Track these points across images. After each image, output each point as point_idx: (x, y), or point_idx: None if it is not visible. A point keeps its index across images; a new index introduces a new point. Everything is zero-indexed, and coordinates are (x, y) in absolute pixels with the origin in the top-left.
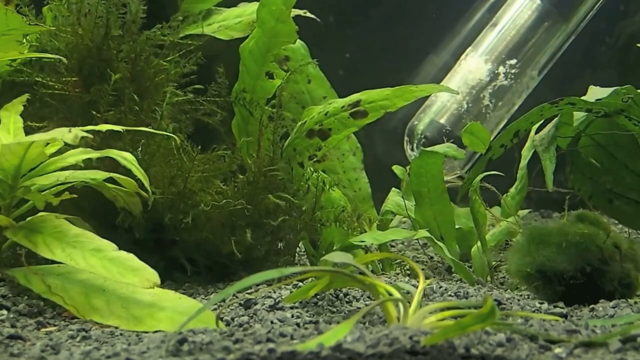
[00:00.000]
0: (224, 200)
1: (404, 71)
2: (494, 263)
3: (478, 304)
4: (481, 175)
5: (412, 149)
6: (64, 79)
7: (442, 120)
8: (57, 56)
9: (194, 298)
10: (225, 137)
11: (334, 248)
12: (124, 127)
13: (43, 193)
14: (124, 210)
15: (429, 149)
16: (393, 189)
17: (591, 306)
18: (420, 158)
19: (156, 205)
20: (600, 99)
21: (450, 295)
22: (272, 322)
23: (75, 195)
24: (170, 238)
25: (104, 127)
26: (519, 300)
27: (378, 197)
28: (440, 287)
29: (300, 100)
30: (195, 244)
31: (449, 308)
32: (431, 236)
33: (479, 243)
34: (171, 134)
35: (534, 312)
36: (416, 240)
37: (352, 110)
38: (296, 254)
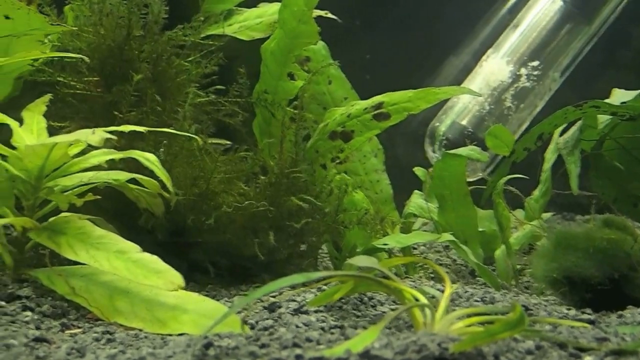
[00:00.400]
0: (247, 202)
1: (424, 72)
2: (517, 267)
3: (505, 310)
4: (505, 178)
5: (433, 151)
6: (85, 78)
7: (464, 122)
8: (80, 56)
9: (217, 300)
10: (246, 137)
11: (357, 250)
12: (147, 128)
13: (66, 194)
14: (146, 212)
15: (452, 151)
16: (415, 191)
17: (619, 312)
18: (443, 160)
19: (178, 207)
20: (625, 102)
21: (476, 301)
22: (297, 326)
23: (98, 197)
24: (193, 240)
25: (126, 128)
26: (545, 305)
27: (399, 199)
28: (466, 292)
29: (321, 101)
30: (218, 245)
31: (476, 314)
32: (455, 239)
33: (503, 246)
34: (194, 135)
35: (561, 318)
36: (438, 243)
37: (375, 112)
38: (318, 256)
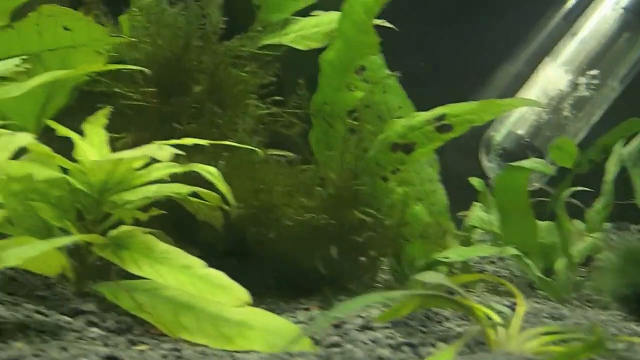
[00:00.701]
0: (308, 215)
1: (476, 80)
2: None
3: (579, 329)
4: (569, 191)
5: (489, 161)
6: (141, 89)
7: (521, 132)
8: (141, 68)
9: (279, 315)
10: (303, 148)
11: (418, 263)
12: (209, 141)
13: (129, 207)
14: (205, 224)
15: (515, 164)
16: (475, 203)
17: None
18: (506, 173)
19: (238, 220)
20: None
21: (545, 317)
22: (364, 343)
23: (163, 212)
24: (252, 252)
25: (189, 142)
26: (614, 322)
27: (452, 209)
28: (533, 307)
29: (376, 110)
30: (278, 258)
31: (548, 332)
32: (519, 253)
33: (563, 259)
34: (255, 148)
35: (631, 335)
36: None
37: (437, 124)
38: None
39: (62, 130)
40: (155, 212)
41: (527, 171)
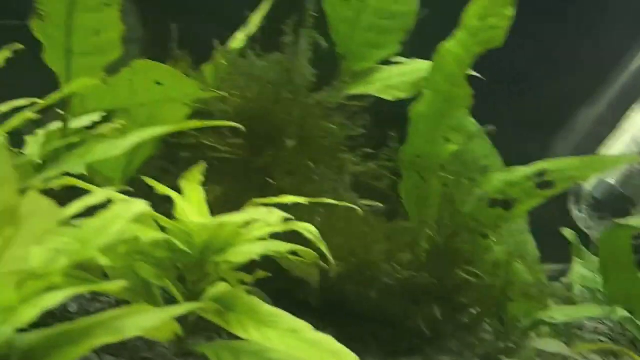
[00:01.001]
0: (407, 273)
1: (555, 124)
2: None
3: None
4: None
5: (579, 211)
6: (228, 141)
7: (612, 181)
8: (236, 124)
9: None
10: (394, 201)
11: (521, 323)
12: (308, 199)
13: (230, 267)
14: (300, 281)
15: (622, 221)
16: (575, 258)
17: None
18: (612, 231)
19: (335, 277)
20: None
21: None
22: None
23: (269, 274)
24: (350, 310)
25: (288, 200)
26: None
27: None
28: None
29: (462, 159)
30: (378, 317)
31: None
32: (630, 316)
33: None
34: (354, 206)
35: None
36: None
37: (538, 180)
38: None
39: (161, 188)
40: (261, 274)
41: (631, 228)
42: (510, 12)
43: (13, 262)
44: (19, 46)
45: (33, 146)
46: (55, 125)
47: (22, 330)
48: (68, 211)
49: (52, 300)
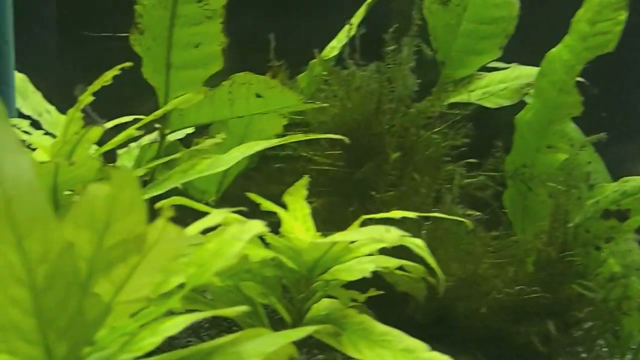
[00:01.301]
0: (518, 287)
1: None
2: None
3: None
4: None
5: None
6: (327, 152)
7: None
8: (341, 136)
9: None
10: (497, 211)
11: (637, 339)
12: (417, 214)
13: (338, 284)
14: (404, 296)
15: None
16: None
17: None
18: None
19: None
20: None
21: None
22: None
23: (381, 292)
24: (458, 326)
25: (397, 214)
26: None
27: None
28: None
29: (567, 169)
30: (487, 333)
31: None
32: None
33: None
34: (463, 219)
35: None
36: None
37: None
38: None
39: (267, 205)
40: (373, 293)
41: None
42: (623, 16)
43: (136, 290)
44: (128, 64)
45: (126, 159)
46: (148, 138)
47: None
48: (189, 233)
49: (174, 327)
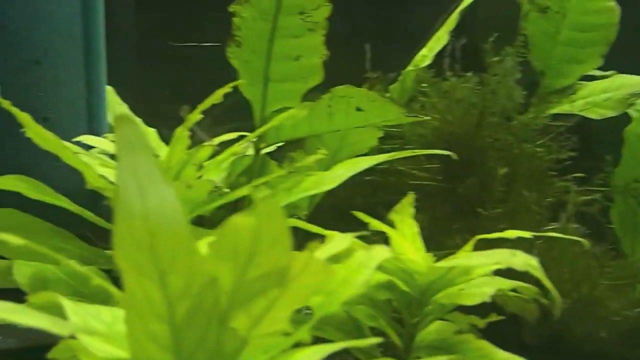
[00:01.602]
0: (637, 310)
1: None
2: None
3: None
4: None
5: None
6: (425, 166)
7: None
8: (448, 152)
9: None
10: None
11: None
12: (534, 233)
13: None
14: (516, 318)
15: None
16: None
17: None
18: None
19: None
20: None
21: None
22: None
23: (503, 317)
24: (571, 350)
25: (513, 234)
26: None
27: None
28: None
29: None
30: (604, 357)
31: None
32: None
33: None
34: (581, 239)
35: None
36: None
37: None
38: None
39: (374, 224)
40: (494, 317)
41: None
42: None
43: (273, 323)
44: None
45: (214, 172)
46: (234, 150)
47: None
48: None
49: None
